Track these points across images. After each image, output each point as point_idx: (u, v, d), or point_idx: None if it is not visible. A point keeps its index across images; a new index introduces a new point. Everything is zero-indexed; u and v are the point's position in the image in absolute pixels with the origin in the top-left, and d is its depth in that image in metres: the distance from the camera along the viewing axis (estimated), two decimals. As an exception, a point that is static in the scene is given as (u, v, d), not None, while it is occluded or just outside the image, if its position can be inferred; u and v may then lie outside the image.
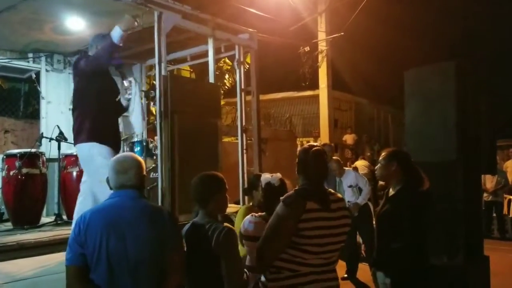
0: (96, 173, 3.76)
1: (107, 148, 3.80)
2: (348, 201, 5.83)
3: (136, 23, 3.93)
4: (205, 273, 2.41)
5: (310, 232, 2.28)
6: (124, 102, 4.19)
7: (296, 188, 2.45)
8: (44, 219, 5.19)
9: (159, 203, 4.78)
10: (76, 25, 5.62)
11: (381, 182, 5.22)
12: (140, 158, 2.45)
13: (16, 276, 3.20)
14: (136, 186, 2.35)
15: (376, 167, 3.32)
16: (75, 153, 5.42)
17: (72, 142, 5.76)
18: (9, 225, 5.07)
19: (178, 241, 2.37)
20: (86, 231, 2.20)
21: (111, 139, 3.89)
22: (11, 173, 4.86)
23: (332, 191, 2.56)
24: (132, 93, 4.13)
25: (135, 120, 4.19)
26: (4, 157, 5.19)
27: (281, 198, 2.39)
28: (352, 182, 5.89)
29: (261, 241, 2.34)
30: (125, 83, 4.18)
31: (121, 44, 3.74)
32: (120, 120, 6.73)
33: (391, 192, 3.16)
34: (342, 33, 12.95)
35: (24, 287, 3.08)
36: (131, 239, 2.21)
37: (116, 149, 3.93)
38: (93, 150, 3.80)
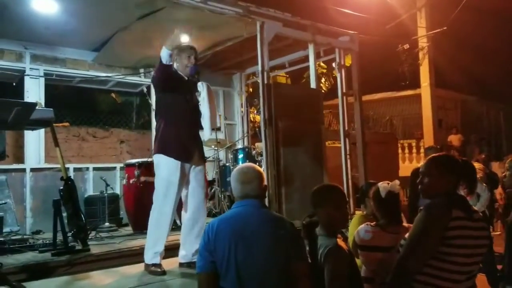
0: (157, 186, 3.91)
1: (172, 161, 3.79)
2: None
3: (181, 38, 3.90)
4: (314, 283, 2.40)
5: (458, 241, 2.21)
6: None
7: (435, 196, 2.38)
8: (159, 224, 5.53)
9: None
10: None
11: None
12: (261, 169, 2.53)
13: (144, 279, 3.46)
14: (259, 196, 2.43)
15: (503, 174, 3.10)
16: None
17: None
18: (129, 229, 5.51)
19: (302, 250, 2.39)
20: (215, 239, 2.30)
21: (177, 151, 3.83)
22: (131, 181, 5.27)
23: None
24: (200, 98, 4.04)
25: (204, 126, 4.05)
26: (124, 166, 5.66)
27: (424, 206, 2.33)
28: None
29: (404, 253, 2.28)
30: (198, 89, 4.07)
31: (171, 63, 3.76)
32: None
33: None
34: (445, 28, 12.23)
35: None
36: (258, 247, 2.27)
37: (187, 160, 3.88)
38: (159, 161, 3.88)
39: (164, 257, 3.99)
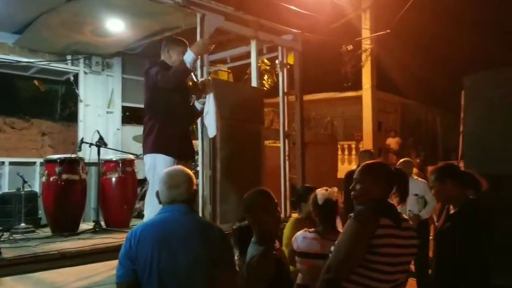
0: (154, 184, 3.91)
1: (171, 159, 3.91)
2: (409, 210, 5.67)
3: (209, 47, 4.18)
4: None
5: (383, 249, 2.28)
6: (198, 106, 4.30)
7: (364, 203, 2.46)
8: (82, 226, 5.34)
9: (200, 212, 4.84)
10: (115, 26, 5.79)
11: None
12: (191, 172, 2.49)
13: (61, 287, 3.31)
14: (187, 201, 2.39)
15: (432, 191, 3.27)
16: (114, 159, 5.57)
17: (112, 148, 6.01)
18: (47, 231, 5.22)
19: (230, 258, 2.39)
20: (137, 247, 2.24)
21: (177, 150, 3.99)
22: (51, 179, 5.01)
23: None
24: (207, 95, 4.23)
25: (209, 122, 4.28)
26: (44, 162, 5.36)
27: (353, 214, 2.39)
28: (419, 192, 5.71)
29: (332, 260, 2.33)
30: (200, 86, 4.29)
31: (192, 68, 3.93)
32: None
33: (451, 208, 3.11)
34: (388, 31, 12.69)
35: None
36: (183, 255, 2.24)
37: (183, 158, 4.01)
38: (156, 161, 3.94)
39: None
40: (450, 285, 2.96)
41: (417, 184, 5.72)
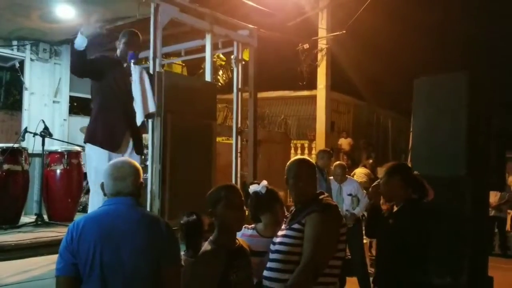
0: (90, 175, 3.99)
1: (100, 150, 3.88)
2: (346, 210, 5.88)
3: (102, 29, 4.05)
4: None
5: (343, 237, 2.54)
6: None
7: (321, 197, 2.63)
8: (23, 219, 5.16)
9: (148, 207, 4.79)
10: (65, 13, 5.63)
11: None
12: (138, 165, 2.46)
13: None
14: (133, 194, 2.36)
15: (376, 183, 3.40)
16: (59, 150, 5.42)
17: (57, 138, 5.86)
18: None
19: (176, 254, 2.37)
20: (79, 240, 2.20)
21: (107, 141, 3.94)
22: (-9, 169, 4.83)
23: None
24: (132, 81, 4.11)
25: (136, 110, 4.17)
26: (-16, 152, 5.13)
27: (318, 208, 2.49)
28: (353, 191, 5.96)
29: (313, 255, 2.40)
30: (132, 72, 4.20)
31: (82, 49, 3.80)
32: None
33: (395, 207, 3.25)
34: (344, 31, 12.94)
35: (6, 294, 3.09)
36: (127, 249, 2.22)
37: (117, 151, 3.98)
38: (90, 151, 3.97)
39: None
40: (391, 283, 3.09)
41: (350, 185, 6.02)
